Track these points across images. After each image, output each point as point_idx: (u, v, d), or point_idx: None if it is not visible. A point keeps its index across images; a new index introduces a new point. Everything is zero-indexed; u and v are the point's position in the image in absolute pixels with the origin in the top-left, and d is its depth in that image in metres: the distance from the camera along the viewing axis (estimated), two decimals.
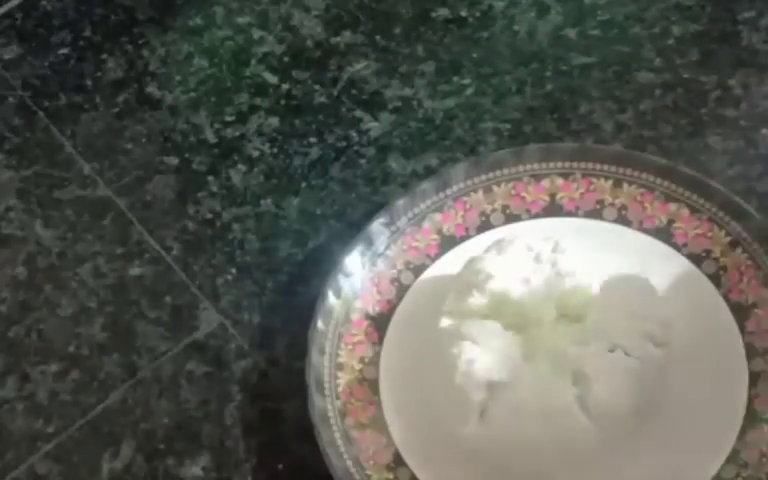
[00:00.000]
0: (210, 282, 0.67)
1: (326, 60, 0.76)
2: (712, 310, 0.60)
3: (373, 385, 0.60)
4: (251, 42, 0.78)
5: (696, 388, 0.58)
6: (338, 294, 0.62)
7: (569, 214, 0.65)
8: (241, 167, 0.72)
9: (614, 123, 0.70)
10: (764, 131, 0.69)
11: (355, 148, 0.72)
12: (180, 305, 0.66)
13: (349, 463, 0.57)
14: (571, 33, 0.75)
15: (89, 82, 0.77)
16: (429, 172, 0.69)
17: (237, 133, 0.73)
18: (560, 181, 0.65)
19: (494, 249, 0.59)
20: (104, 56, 0.78)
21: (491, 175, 0.66)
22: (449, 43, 0.76)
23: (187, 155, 0.73)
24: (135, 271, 0.68)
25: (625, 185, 0.64)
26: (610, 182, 0.65)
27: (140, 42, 0.79)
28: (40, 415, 0.63)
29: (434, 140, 0.71)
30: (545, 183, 0.65)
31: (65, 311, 0.66)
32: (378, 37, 0.77)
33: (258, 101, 0.75)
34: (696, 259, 0.62)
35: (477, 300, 0.57)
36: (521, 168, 0.65)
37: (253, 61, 0.77)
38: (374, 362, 0.61)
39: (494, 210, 0.65)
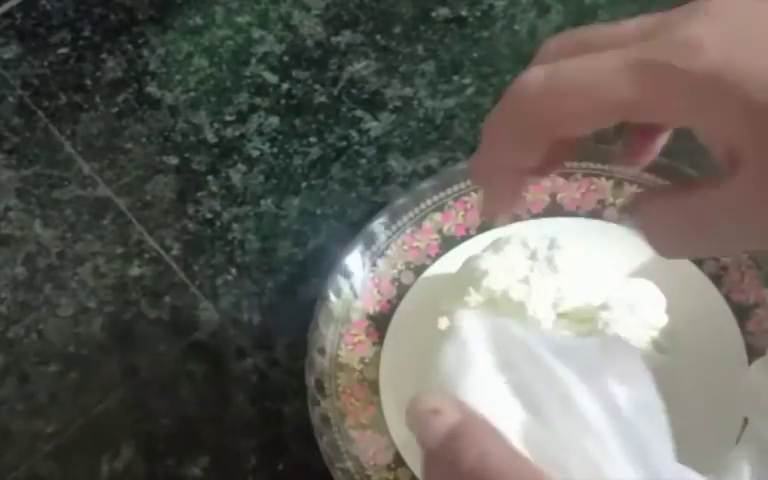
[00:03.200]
0: (210, 282, 0.67)
1: (326, 60, 0.76)
2: (713, 310, 0.60)
3: (373, 385, 0.60)
4: (251, 42, 0.78)
5: (697, 389, 0.58)
6: (338, 294, 0.62)
7: (570, 214, 0.64)
8: (241, 167, 0.72)
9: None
10: None
11: (355, 148, 0.72)
12: (180, 305, 0.66)
13: (349, 464, 0.57)
14: None
15: (89, 82, 0.77)
16: (429, 172, 0.69)
17: (237, 133, 0.73)
18: (561, 181, 0.65)
19: (491, 248, 0.59)
20: (104, 56, 0.78)
21: None
22: (449, 43, 0.76)
23: (187, 155, 0.73)
24: (135, 271, 0.68)
25: (626, 185, 0.64)
26: (611, 182, 0.65)
27: (140, 42, 0.79)
28: (40, 415, 0.62)
29: (434, 140, 0.71)
30: (546, 183, 0.65)
31: (65, 311, 0.66)
32: (378, 36, 0.77)
33: (258, 101, 0.75)
34: (697, 259, 0.62)
35: (474, 298, 0.57)
36: None
37: (253, 60, 0.77)
38: (374, 362, 0.61)
39: None
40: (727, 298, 0.60)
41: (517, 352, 0.38)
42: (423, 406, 0.37)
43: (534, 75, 0.38)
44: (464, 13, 0.77)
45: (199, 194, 0.71)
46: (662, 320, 0.57)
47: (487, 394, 0.38)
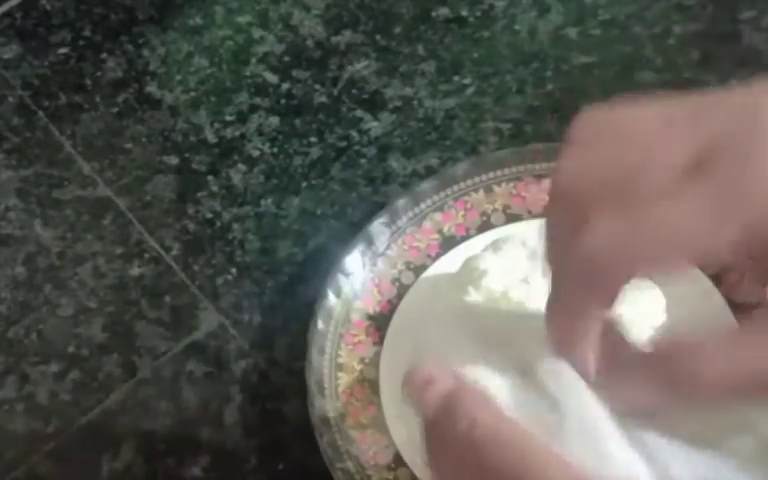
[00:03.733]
0: (210, 282, 0.67)
1: (326, 60, 0.76)
2: (713, 310, 0.60)
3: (373, 385, 0.60)
4: (251, 41, 0.78)
5: None
6: (338, 294, 0.62)
7: None
8: (241, 167, 0.71)
9: None
10: None
11: (355, 148, 0.71)
12: (180, 305, 0.66)
13: (349, 464, 0.57)
14: (572, 33, 0.75)
15: (89, 82, 0.77)
16: (430, 172, 0.69)
17: (237, 133, 0.73)
18: None
19: (491, 248, 0.59)
20: (104, 56, 0.78)
21: (492, 175, 0.66)
22: (450, 43, 0.76)
23: (187, 155, 0.73)
24: (135, 271, 0.68)
25: None
26: None
27: (140, 42, 0.79)
28: (40, 415, 0.62)
29: (435, 140, 0.71)
30: (546, 183, 0.65)
31: (65, 311, 0.66)
32: (378, 36, 0.77)
33: (258, 101, 0.75)
34: None
35: (474, 298, 0.57)
36: (522, 168, 0.65)
37: (253, 60, 0.77)
38: (374, 362, 0.61)
39: (495, 210, 0.65)
40: (727, 298, 0.60)
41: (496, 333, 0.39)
42: (418, 377, 0.38)
43: (601, 238, 0.37)
44: (464, 13, 0.77)
45: (199, 194, 0.71)
46: (662, 320, 0.57)
47: (477, 364, 0.38)
